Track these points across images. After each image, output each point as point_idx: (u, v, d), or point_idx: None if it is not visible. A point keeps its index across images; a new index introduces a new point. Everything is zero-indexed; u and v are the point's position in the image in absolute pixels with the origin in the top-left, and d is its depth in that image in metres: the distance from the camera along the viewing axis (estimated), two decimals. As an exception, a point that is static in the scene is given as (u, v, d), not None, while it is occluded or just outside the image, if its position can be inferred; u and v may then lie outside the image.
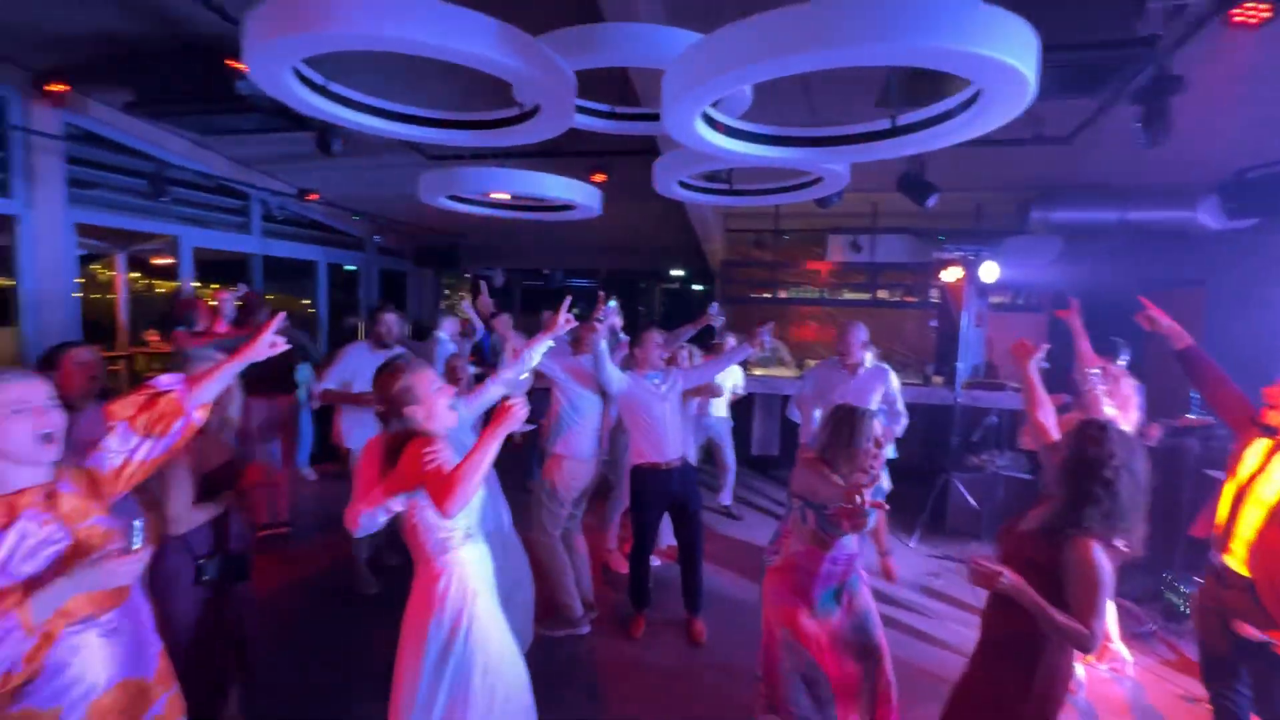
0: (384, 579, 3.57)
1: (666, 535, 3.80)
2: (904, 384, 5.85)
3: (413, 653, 1.69)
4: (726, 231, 7.61)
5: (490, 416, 1.65)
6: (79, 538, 1.31)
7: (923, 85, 3.45)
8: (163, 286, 11.67)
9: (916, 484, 4.76)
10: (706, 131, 2.25)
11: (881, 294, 7.24)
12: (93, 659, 1.32)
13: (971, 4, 1.62)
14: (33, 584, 1.21)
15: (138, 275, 11.16)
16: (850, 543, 2.14)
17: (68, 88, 4.27)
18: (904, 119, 2.47)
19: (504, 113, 2.47)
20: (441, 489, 1.54)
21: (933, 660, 3.06)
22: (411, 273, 10.01)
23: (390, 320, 3.61)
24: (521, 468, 5.08)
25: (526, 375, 2.48)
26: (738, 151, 2.39)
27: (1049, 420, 2.01)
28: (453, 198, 3.67)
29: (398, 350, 3.61)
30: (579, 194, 3.49)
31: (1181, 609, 3.42)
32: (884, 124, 2.51)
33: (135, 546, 1.34)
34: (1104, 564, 1.53)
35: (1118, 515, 1.57)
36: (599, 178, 4.85)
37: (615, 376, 3.00)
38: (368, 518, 1.66)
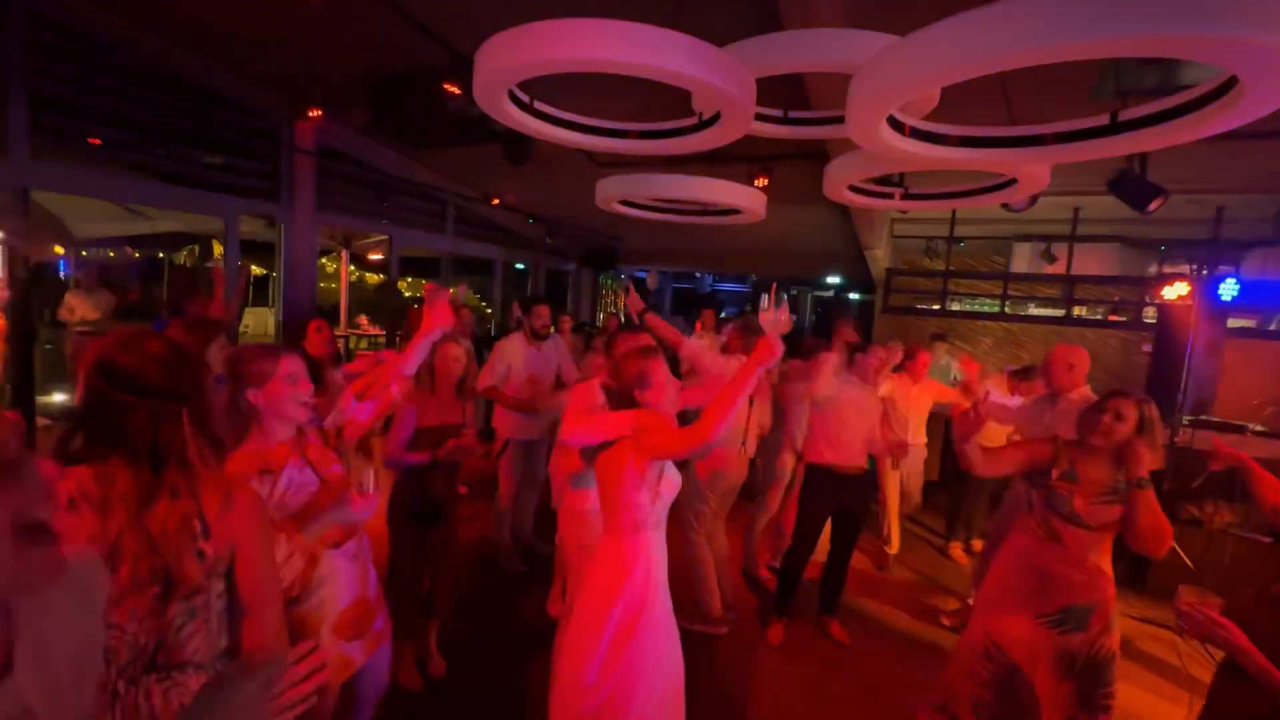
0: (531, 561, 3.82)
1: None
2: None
3: (591, 628, 1.76)
4: (892, 237, 7.17)
5: None
6: (325, 479, 1.63)
7: (1151, 73, 3.01)
8: (372, 279, 13.70)
9: (1112, 530, 4.13)
10: (891, 135, 2.17)
11: (1079, 311, 6.34)
12: (341, 578, 1.64)
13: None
14: (298, 518, 1.52)
15: (352, 269, 13.23)
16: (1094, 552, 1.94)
17: (320, 113, 5.18)
18: (1128, 113, 2.17)
19: (685, 122, 2.58)
20: (705, 417, 1.63)
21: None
22: (573, 272, 10.70)
23: (543, 312, 3.81)
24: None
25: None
26: (930, 155, 2.27)
27: None
28: (624, 202, 3.89)
29: (555, 340, 3.90)
30: (745, 199, 3.52)
31: None
32: (1101, 120, 2.23)
33: (369, 490, 1.63)
34: None
35: None
36: (761, 181, 4.84)
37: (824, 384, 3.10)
38: (587, 437, 1.85)
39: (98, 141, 4.62)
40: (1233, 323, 5.81)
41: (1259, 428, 4.59)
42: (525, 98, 2.44)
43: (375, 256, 9.64)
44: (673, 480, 1.85)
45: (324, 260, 13.59)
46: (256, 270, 12.90)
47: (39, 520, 0.66)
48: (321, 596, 1.57)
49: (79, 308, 5.95)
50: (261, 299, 11.93)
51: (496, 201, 7.63)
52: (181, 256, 12.47)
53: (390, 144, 6.15)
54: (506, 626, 3.15)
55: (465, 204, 7.75)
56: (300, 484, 1.57)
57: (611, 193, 3.60)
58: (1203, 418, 5.17)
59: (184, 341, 2.17)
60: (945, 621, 3.48)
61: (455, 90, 3.98)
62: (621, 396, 1.86)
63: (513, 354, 3.73)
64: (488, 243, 8.60)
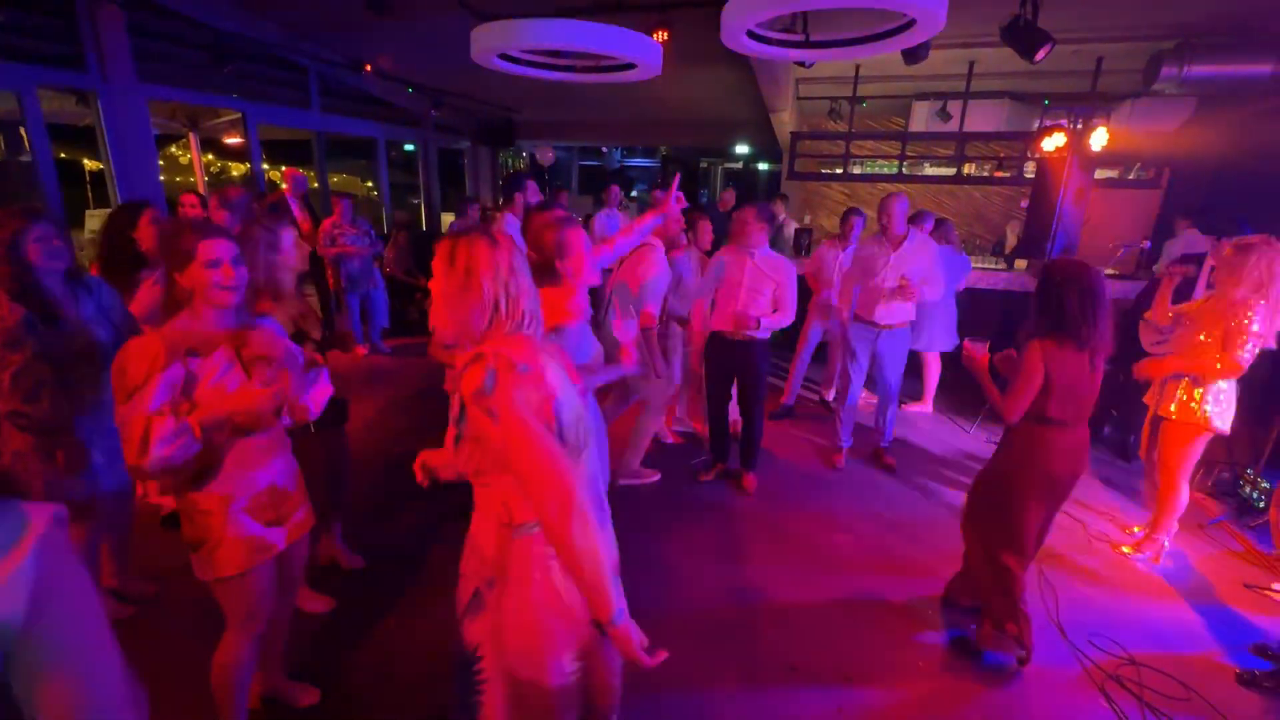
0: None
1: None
2: (980, 269, 5.48)
3: None
4: (798, 99, 6.99)
5: None
6: (250, 378, 1.54)
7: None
8: (237, 169, 12.06)
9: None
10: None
11: (969, 169, 6.58)
12: (254, 463, 1.59)
13: None
14: (203, 403, 1.44)
15: (211, 158, 11.52)
16: None
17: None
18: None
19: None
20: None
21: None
22: (468, 151, 9.86)
23: (533, 187, 3.60)
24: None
25: None
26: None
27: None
28: (505, 58, 3.48)
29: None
30: (637, 48, 3.21)
31: (1258, 504, 3.31)
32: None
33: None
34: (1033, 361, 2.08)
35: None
36: (661, 35, 4.46)
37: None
38: None
39: None
40: (1102, 174, 6.26)
41: (1110, 271, 5.08)
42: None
43: (233, 140, 8.39)
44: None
45: (174, 150, 11.75)
46: (90, 164, 11.01)
47: None
48: (231, 478, 1.55)
49: None
50: (103, 199, 10.34)
51: (369, 68, 6.68)
52: (-15, 149, 10.37)
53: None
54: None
55: (331, 71, 6.75)
56: (228, 378, 1.49)
57: (488, 44, 3.18)
58: (1067, 265, 5.66)
59: None
60: (837, 460, 3.88)
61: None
62: (542, 268, 1.81)
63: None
64: (365, 119, 7.65)
